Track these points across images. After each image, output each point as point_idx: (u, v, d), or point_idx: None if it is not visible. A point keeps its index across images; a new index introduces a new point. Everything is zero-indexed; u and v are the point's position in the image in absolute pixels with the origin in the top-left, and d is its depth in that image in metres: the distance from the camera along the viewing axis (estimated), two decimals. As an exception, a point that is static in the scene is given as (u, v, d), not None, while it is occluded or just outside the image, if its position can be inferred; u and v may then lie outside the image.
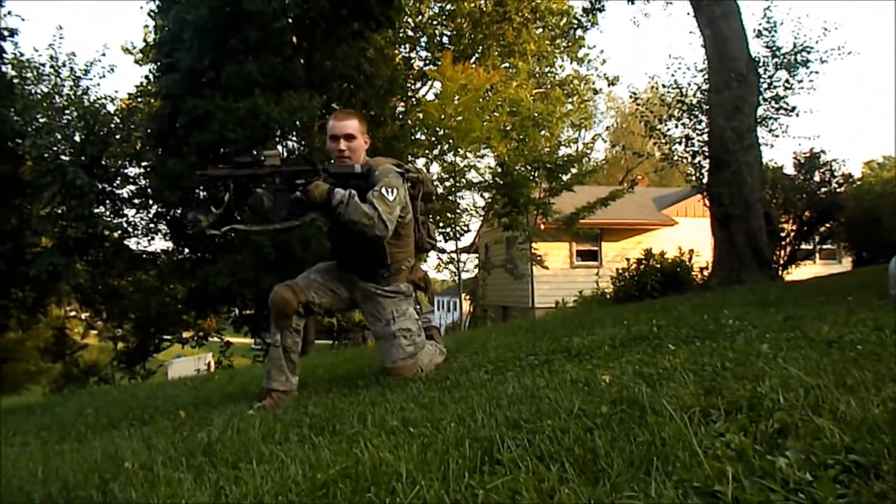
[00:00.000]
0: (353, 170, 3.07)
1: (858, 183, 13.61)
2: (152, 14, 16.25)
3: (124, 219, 14.80)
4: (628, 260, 10.42)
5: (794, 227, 11.74)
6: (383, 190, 2.96)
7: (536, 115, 15.90)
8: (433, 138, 17.26)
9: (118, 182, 14.61)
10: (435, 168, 18.48)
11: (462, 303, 18.08)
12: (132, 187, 14.92)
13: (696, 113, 10.30)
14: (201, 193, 14.45)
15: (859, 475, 1.10)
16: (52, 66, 13.94)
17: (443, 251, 18.52)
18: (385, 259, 3.20)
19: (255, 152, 3.13)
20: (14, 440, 3.41)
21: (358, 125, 3.19)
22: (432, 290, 3.89)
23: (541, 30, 21.65)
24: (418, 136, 17.86)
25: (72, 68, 13.99)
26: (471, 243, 21.99)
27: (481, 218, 19.98)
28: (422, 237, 3.47)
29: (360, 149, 3.19)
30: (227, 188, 3.01)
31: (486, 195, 16.53)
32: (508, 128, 15.87)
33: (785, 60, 10.13)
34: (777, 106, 10.25)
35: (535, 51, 21.41)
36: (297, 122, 13.00)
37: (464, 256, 18.04)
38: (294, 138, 14.82)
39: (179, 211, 14.47)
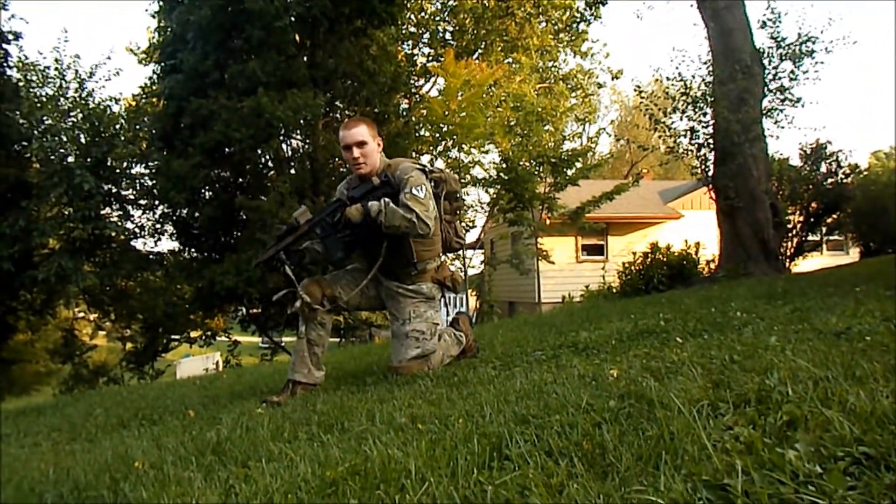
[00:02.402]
0: (371, 185, 3.13)
1: (865, 173, 13.51)
2: (155, 15, 16.29)
3: (131, 220, 14.86)
4: (634, 254, 10.39)
5: (800, 219, 11.68)
6: (413, 190, 3.02)
7: (540, 109, 15.84)
8: (437, 135, 17.24)
9: (124, 183, 14.66)
10: (439, 164, 18.46)
11: (468, 298, 18.08)
12: (138, 188, 14.96)
13: (701, 105, 10.25)
14: (207, 194, 14.50)
15: (869, 467, 1.09)
16: (56, 69, 13.96)
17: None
18: (412, 257, 3.23)
19: (285, 222, 3.36)
20: (25, 441, 3.44)
21: (367, 130, 3.21)
22: (460, 289, 3.89)
23: (544, 24, 21.57)
24: (422, 132, 17.84)
25: (76, 71, 14.01)
26: (476, 239, 21.97)
27: (486, 214, 19.96)
28: (449, 236, 3.48)
29: (373, 153, 3.21)
30: (282, 262, 3.17)
31: (491, 191, 16.50)
32: (512, 123, 15.83)
33: (790, 51, 10.07)
34: (782, 97, 10.19)
35: (538, 45, 21.33)
36: (301, 121, 13.02)
37: (470, 252, 18.03)
38: (298, 136, 14.84)
39: (185, 211, 14.53)
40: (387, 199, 3.01)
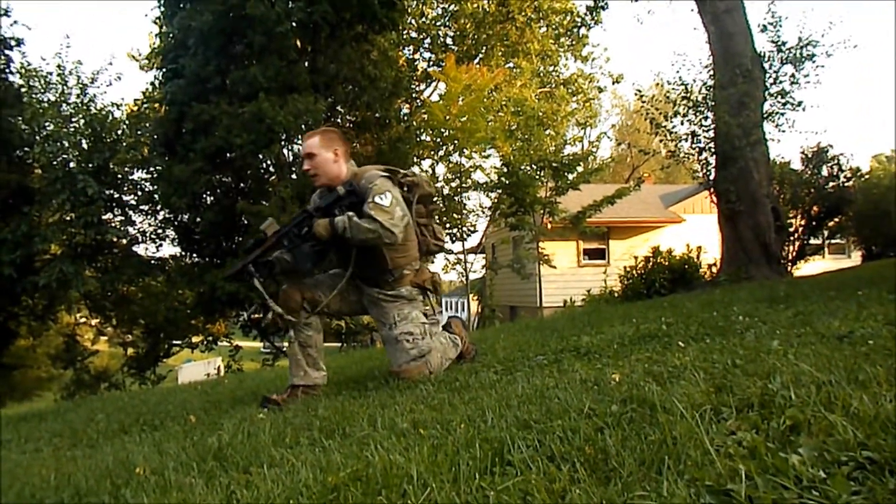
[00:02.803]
0: (337, 194, 3.13)
1: (867, 177, 13.50)
2: (157, 21, 16.34)
3: (132, 225, 14.89)
4: (636, 258, 10.39)
5: (802, 223, 11.68)
6: (376, 199, 3.02)
7: (541, 114, 15.87)
8: (438, 139, 17.26)
9: (126, 188, 14.69)
10: (440, 169, 18.50)
11: (470, 303, 18.07)
12: (139, 193, 15.00)
13: (702, 109, 10.26)
14: (209, 199, 14.52)
15: (873, 472, 1.09)
16: (59, 75, 14.00)
17: (450, 252, 18.53)
18: (386, 265, 3.24)
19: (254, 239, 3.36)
20: (26, 447, 3.43)
21: (318, 142, 3.22)
22: (441, 290, 3.82)
23: (544, 29, 21.62)
24: (423, 137, 17.86)
25: (78, 76, 14.06)
26: (478, 243, 21.97)
27: (488, 218, 19.97)
28: (426, 240, 3.47)
29: (324, 163, 3.21)
30: (251, 275, 3.20)
31: (493, 195, 16.50)
32: (513, 127, 15.83)
33: (790, 55, 10.08)
34: (783, 101, 10.20)
35: (538, 50, 21.37)
36: (303, 126, 13.04)
37: (471, 257, 18.03)
38: (299, 142, 14.85)
39: (187, 216, 14.55)
40: (350, 214, 3.02)
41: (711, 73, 10.38)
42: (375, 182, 3.08)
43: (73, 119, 13.79)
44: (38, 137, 13.13)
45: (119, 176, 14.32)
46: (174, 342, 16.52)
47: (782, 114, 10.25)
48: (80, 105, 13.95)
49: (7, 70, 13.44)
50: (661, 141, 11.62)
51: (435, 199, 3.53)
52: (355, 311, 3.58)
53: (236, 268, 3.27)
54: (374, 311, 3.40)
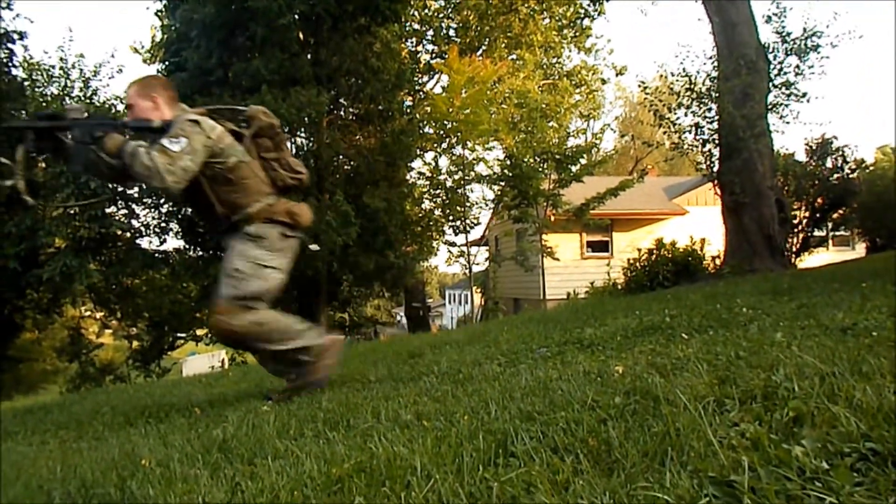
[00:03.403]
0: (151, 124, 2.96)
1: (871, 168, 13.46)
2: (159, 14, 16.32)
3: (136, 218, 14.91)
4: (639, 250, 10.38)
5: (806, 214, 11.65)
6: (165, 142, 2.82)
7: (544, 106, 15.82)
8: (441, 132, 17.22)
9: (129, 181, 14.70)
10: (444, 161, 18.47)
11: (473, 296, 18.08)
12: (143, 186, 15.01)
13: (706, 101, 10.22)
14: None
15: (876, 463, 1.09)
16: (61, 68, 14.02)
17: (453, 244, 18.53)
18: (209, 202, 3.04)
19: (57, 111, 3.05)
20: (33, 439, 3.45)
21: (135, 91, 3.06)
22: (302, 223, 3.19)
23: (547, 20, 21.52)
24: (426, 129, 17.82)
25: (81, 69, 14.07)
26: (481, 236, 21.95)
27: (491, 210, 19.96)
28: (278, 174, 3.22)
29: (143, 112, 3.02)
30: (21, 140, 2.95)
31: (496, 187, 16.49)
32: (517, 120, 15.80)
33: (795, 46, 10.03)
34: (787, 92, 10.16)
35: (541, 42, 21.28)
36: (306, 118, 13.02)
37: (474, 249, 18.00)
38: (302, 134, 14.85)
39: (190, 210, 14.55)
40: (143, 145, 2.83)
41: (715, 64, 10.34)
42: (178, 126, 2.89)
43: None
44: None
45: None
46: (178, 335, 16.58)
47: (787, 105, 10.22)
48: (82, 98, 13.96)
49: (10, 63, 13.43)
50: (664, 133, 11.60)
51: (278, 128, 3.25)
52: None
53: (16, 124, 2.96)
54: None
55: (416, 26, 21.83)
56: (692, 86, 10.42)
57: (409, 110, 17.96)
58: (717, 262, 10.09)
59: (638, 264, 10.14)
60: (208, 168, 2.95)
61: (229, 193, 3.04)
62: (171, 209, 14.88)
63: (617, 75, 24.48)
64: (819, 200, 11.65)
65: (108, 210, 13.66)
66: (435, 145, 18.20)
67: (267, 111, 3.26)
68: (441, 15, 22.05)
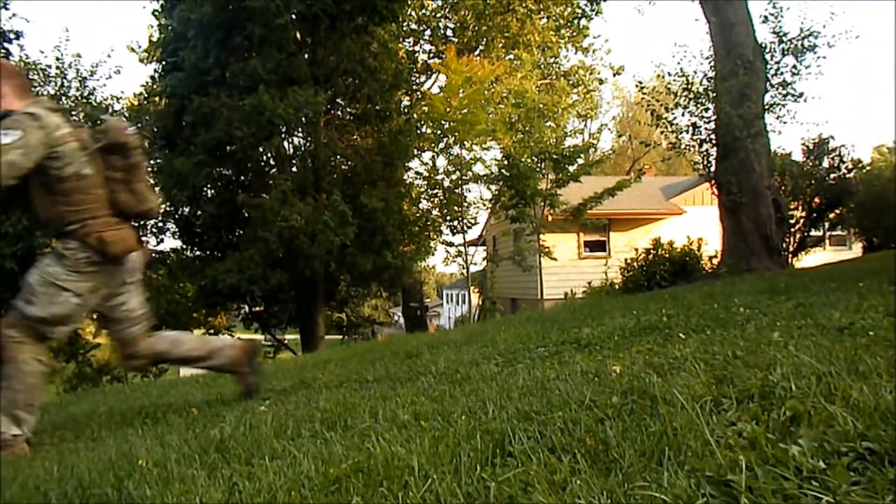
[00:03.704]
0: None
1: (868, 168, 13.50)
2: (156, 13, 16.29)
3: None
4: (637, 250, 10.38)
5: (803, 214, 11.67)
6: None
7: (542, 106, 15.82)
8: (439, 131, 17.22)
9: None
10: (441, 161, 18.47)
11: (471, 296, 18.07)
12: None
13: (703, 101, 10.23)
14: (209, 192, 14.51)
15: (873, 462, 1.09)
16: (58, 68, 13.99)
17: (451, 244, 18.53)
18: (33, 209, 2.86)
19: None
20: (31, 439, 3.44)
21: None
22: (111, 251, 2.81)
23: (545, 20, 21.52)
24: (424, 129, 17.82)
25: (78, 69, 14.04)
26: (478, 236, 21.95)
27: (488, 210, 19.96)
28: (124, 198, 2.91)
29: None
30: None
31: (493, 187, 16.49)
32: (514, 119, 15.80)
33: (792, 46, 10.04)
34: (784, 92, 10.17)
35: (539, 42, 21.28)
36: (303, 118, 13.01)
37: (472, 249, 18.01)
38: (300, 134, 14.83)
39: (187, 209, 14.54)
40: None
41: (712, 64, 10.34)
42: (13, 116, 2.68)
43: (73, 112, 13.77)
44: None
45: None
46: (176, 335, 16.51)
47: (783, 105, 10.23)
48: (79, 98, 13.93)
49: (6, 63, 13.39)
50: (661, 132, 11.60)
51: (134, 151, 2.93)
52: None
53: None
54: None
55: (414, 26, 21.81)
56: (689, 86, 10.42)
57: (406, 110, 17.95)
58: (715, 261, 10.10)
59: (635, 264, 10.14)
60: (40, 172, 2.73)
61: (57, 204, 2.80)
62: (167, 209, 14.86)
63: (614, 75, 24.49)
64: (816, 200, 11.67)
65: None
66: (432, 145, 18.18)
67: (128, 131, 2.98)
68: (438, 15, 22.04)
